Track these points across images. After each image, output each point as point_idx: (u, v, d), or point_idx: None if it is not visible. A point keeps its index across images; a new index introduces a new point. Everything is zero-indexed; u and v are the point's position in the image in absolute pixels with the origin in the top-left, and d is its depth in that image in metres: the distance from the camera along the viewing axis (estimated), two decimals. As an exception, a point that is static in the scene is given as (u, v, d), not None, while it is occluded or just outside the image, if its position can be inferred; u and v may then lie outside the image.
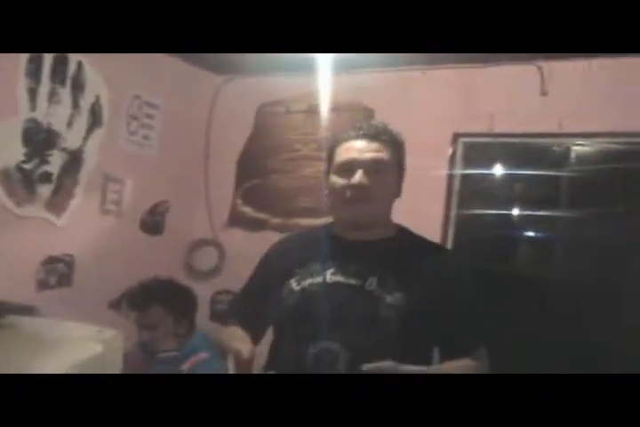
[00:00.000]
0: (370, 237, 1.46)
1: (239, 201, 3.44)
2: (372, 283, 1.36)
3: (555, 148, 2.80)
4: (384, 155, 1.41)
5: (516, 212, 2.89)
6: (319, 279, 1.40)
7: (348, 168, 1.40)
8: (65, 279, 2.71)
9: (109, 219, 2.96)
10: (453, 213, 2.96)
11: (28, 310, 2.31)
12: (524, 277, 2.87)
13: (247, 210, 3.42)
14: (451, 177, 2.97)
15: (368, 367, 1.17)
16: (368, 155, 1.40)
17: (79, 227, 2.75)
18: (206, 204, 3.49)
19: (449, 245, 2.96)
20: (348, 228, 1.47)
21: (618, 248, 2.63)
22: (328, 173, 1.49)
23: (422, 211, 2.94)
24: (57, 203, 2.61)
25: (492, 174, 2.96)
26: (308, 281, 1.41)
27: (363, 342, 1.30)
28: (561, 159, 2.76)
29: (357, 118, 3.17)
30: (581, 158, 2.73)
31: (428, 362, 1.37)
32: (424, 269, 1.41)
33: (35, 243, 2.55)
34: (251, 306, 1.55)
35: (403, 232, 1.54)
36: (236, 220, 3.44)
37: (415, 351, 1.29)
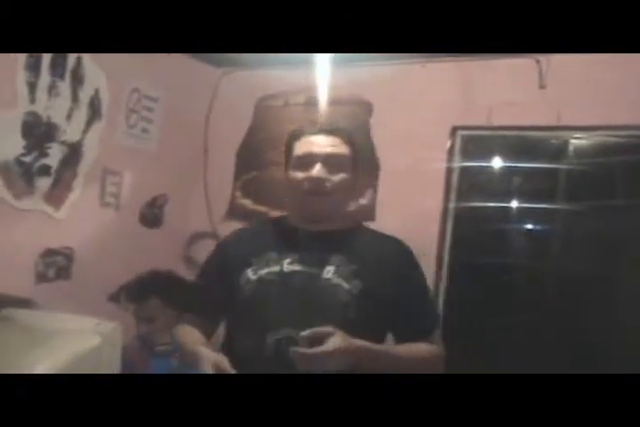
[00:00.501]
0: (324, 228, 1.50)
1: (238, 193, 3.45)
2: (329, 271, 1.40)
3: (553, 140, 2.80)
4: (341, 150, 1.46)
5: (514, 205, 2.90)
6: (276, 268, 1.42)
7: (306, 162, 1.44)
8: (64, 272, 2.72)
9: (108, 212, 2.97)
10: (452, 205, 2.97)
11: (25, 303, 2.32)
12: (522, 270, 2.88)
13: (246, 202, 3.42)
14: (449, 170, 2.98)
15: (307, 332, 1.21)
16: (326, 149, 1.44)
17: (78, 220, 2.75)
18: (205, 196, 3.50)
19: (447, 238, 2.97)
20: (305, 220, 1.51)
21: (616, 241, 2.64)
22: (286, 167, 1.53)
23: (421, 204, 2.95)
24: (56, 196, 2.62)
25: (490, 167, 2.97)
26: (264, 270, 1.43)
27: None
28: (559, 152, 2.77)
29: (356, 112, 3.18)
30: (580, 151, 2.74)
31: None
32: (380, 257, 1.46)
33: (33, 235, 2.56)
34: (206, 299, 1.55)
35: (358, 225, 1.60)
36: (235, 212, 3.44)
37: (371, 336, 1.32)
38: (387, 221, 3.05)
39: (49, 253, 2.64)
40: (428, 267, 2.98)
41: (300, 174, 1.45)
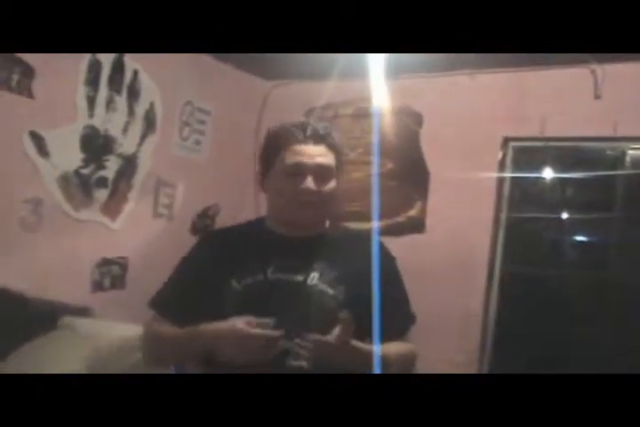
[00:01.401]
0: (305, 234, 1.47)
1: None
2: (313, 278, 1.38)
3: (609, 151, 2.74)
4: (329, 160, 1.43)
5: (566, 215, 2.85)
6: (260, 277, 1.39)
7: (297, 172, 1.40)
8: (119, 281, 2.79)
9: (161, 222, 3.04)
10: (503, 216, 2.93)
11: (83, 312, 2.39)
12: (575, 281, 2.82)
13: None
14: (500, 181, 2.94)
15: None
16: (317, 160, 1.41)
17: (132, 230, 2.83)
18: (255, 207, 3.53)
19: (499, 248, 2.94)
20: (288, 225, 1.48)
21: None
22: (268, 171, 1.48)
23: (472, 214, 2.93)
24: (112, 207, 2.70)
25: (542, 178, 2.92)
26: (248, 280, 1.39)
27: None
28: (615, 163, 2.70)
29: (406, 122, 3.17)
30: (637, 162, 2.67)
31: None
32: (360, 260, 1.42)
33: (90, 245, 2.64)
34: (181, 305, 1.45)
35: (332, 225, 1.56)
36: (284, 223, 3.46)
37: (355, 339, 1.28)
38: (436, 233, 3.04)
39: (105, 262, 2.71)
40: (479, 278, 2.95)
41: (291, 185, 1.41)
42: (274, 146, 1.47)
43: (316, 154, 1.42)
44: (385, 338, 1.35)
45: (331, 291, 1.37)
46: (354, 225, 3.14)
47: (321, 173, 1.41)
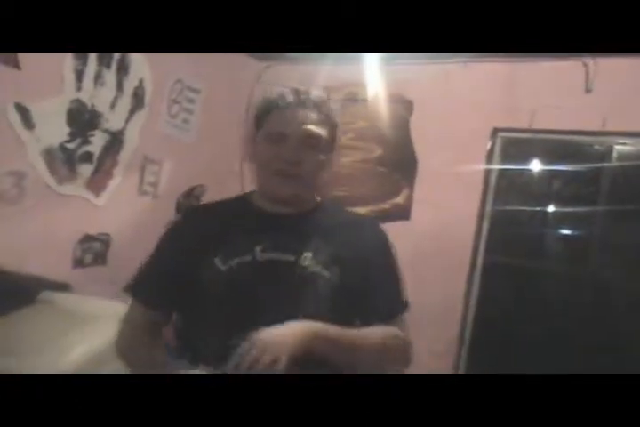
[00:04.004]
0: (293, 211, 1.34)
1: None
2: (306, 258, 1.27)
3: (597, 146, 2.75)
4: (320, 130, 1.29)
5: (551, 209, 2.86)
6: (248, 257, 1.27)
7: (279, 138, 1.27)
8: (100, 258, 2.78)
9: (146, 200, 3.02)
10: (489, 208, 2.94)
11: (62, 287, 2.38)
12: (557, 274, 2.84)
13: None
14: (488, 172, 2.94)
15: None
16: (304, 127, 1.27)
17: (116, 207, 2.80)
18: (242, 189, 3.52)
19: (482, 240, 2.95)
20: (271, 200, 1.35)
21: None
22: (254, 137, 1.35)
23: (457, 204, 2.93)
24: (96, 182, 2.67)
25: (529, 170, 2.93)
26: (235, 260, 1.27)
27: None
28: (602, 158, 2.71)
29: (396, 109, 3.16)
30: (624, 158, 2.68)
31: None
32: (353, 240, 1.33)
33: (73, 221, 2.62)
34: (158, 287, 1.33)
35: (323, 204, 1.43)
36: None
37: (344, 322, 1.21)
38: (422, 221, 3.04)
39: (87, 238, 2.69)
40: (461, 268, 2.96)
41: (270, 151, 1.27)
42: (263, 109, 1.34)
43: (306, 121, 1.28)
44: (367, 322, 1.27)
45: (325, 272, 1.26)
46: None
47: (308, 142, 1.27)
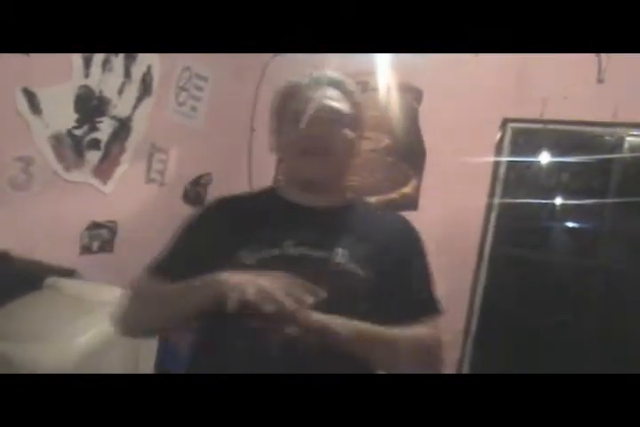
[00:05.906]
0: (325, 204, 1.30)
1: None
2: (338, 254, 1.21)
3: (608, 137, 2.72)
4: (344, 106, 1.27)
5: (559, 201, 2.84)
6: (275, 251, 1.21)
7: (301, 116, 1.23)
8: (107, 245, 2.78)
9: (153, 187, 3.01)
10: (497, 199, 2.92)
11: (69, 273, 2.38)
12: (567, 266, 2.83)
13: (289, 186, 3.43)
14: (497, 163, 2.92)
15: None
16: (327, 102, 1.25)
17: (124, 194, 2.80)
18: (249, 177, 3.51)
19: (490, 232, 2.93)
20: (301, 189, 1.30)
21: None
22: (280, 124, 1.32)
23: (465, 195, 2.91)
24: (104, 169, 2.67)
25: (539, 161, 2.90)
26: (263, 253, 1.21)
27: None
28: (613, 149, 2.69)
29: (406, 98, 3.14)
30: (635, 149, 2.66)
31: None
32: (389, 239, 1.29)
33: (80, 208, 2.61)
34: (187, 262, 1.26)
35: (355, 200, 1.39)
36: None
37: (377, 321, 1.16)
38: (429, 211, 3.03)
39: (94, 225, 2.69)
40: (469, 259, 2.95)
41: (294, 131, 1.24)
42: (285, 95, 1.32)
43: (328, 97, 1.25)
44: (402, 322, 1.20)
45: (360, 270, 1.20)
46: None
47: (330, 117, 1.24)
